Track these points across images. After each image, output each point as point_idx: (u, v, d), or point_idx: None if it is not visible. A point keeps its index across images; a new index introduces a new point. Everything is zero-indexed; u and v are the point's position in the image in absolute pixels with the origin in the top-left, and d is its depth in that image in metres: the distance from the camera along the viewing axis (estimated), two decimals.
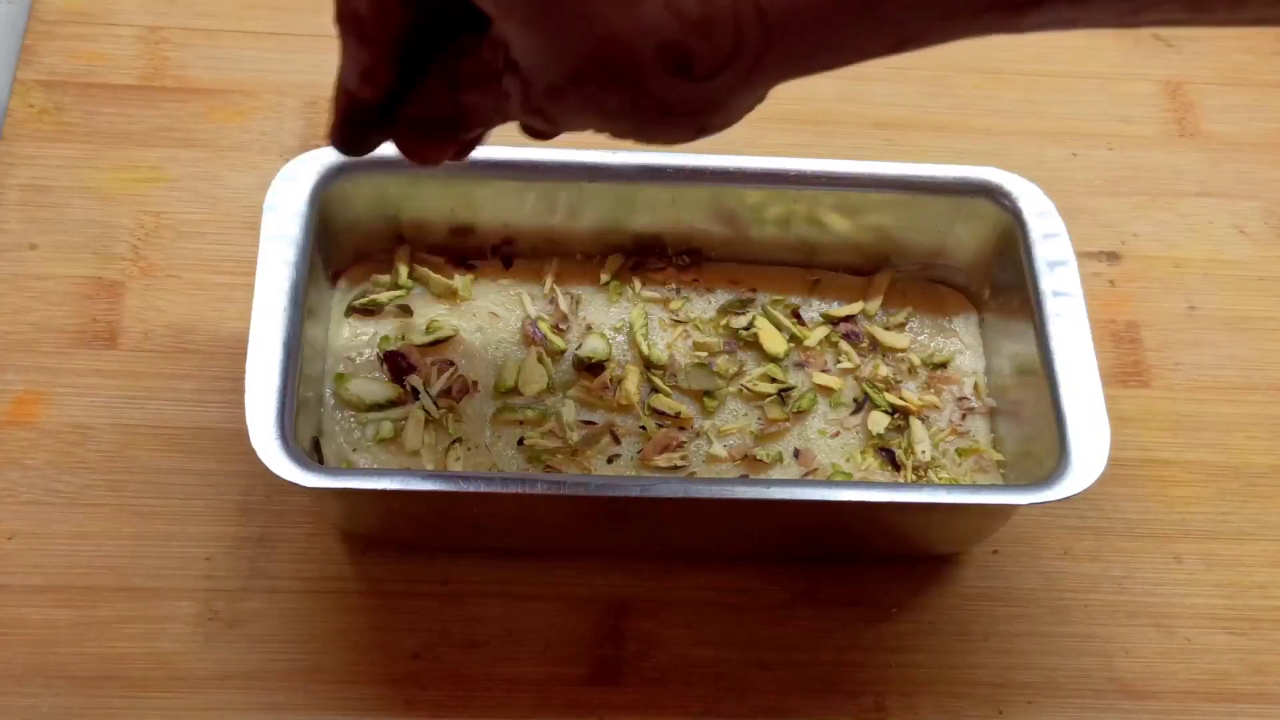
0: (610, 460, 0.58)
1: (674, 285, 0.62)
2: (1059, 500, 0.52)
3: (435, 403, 0.58)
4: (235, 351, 0.52)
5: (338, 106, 0.45)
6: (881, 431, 0.59)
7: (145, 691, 0.55)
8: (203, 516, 0.58)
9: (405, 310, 0.60)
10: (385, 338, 0.59)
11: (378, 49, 0.43)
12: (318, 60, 0.70)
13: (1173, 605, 0.60)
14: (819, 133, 0.71)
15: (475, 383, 0.59)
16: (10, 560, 0.56)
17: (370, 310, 0.60)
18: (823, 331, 0.61)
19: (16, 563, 0.56)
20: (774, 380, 0.60)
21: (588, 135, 0.69)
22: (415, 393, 0.58)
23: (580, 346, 0.60)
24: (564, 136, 0.71)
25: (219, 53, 0.70)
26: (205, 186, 0.66)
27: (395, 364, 0.58)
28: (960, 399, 0.61)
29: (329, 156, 0.57)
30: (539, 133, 0.45)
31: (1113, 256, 0.69)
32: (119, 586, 0.56)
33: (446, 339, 0.60)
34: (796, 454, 0.59)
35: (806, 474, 0.58)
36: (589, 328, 0.61)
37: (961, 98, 0.73)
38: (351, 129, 0.46)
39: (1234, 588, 0.60)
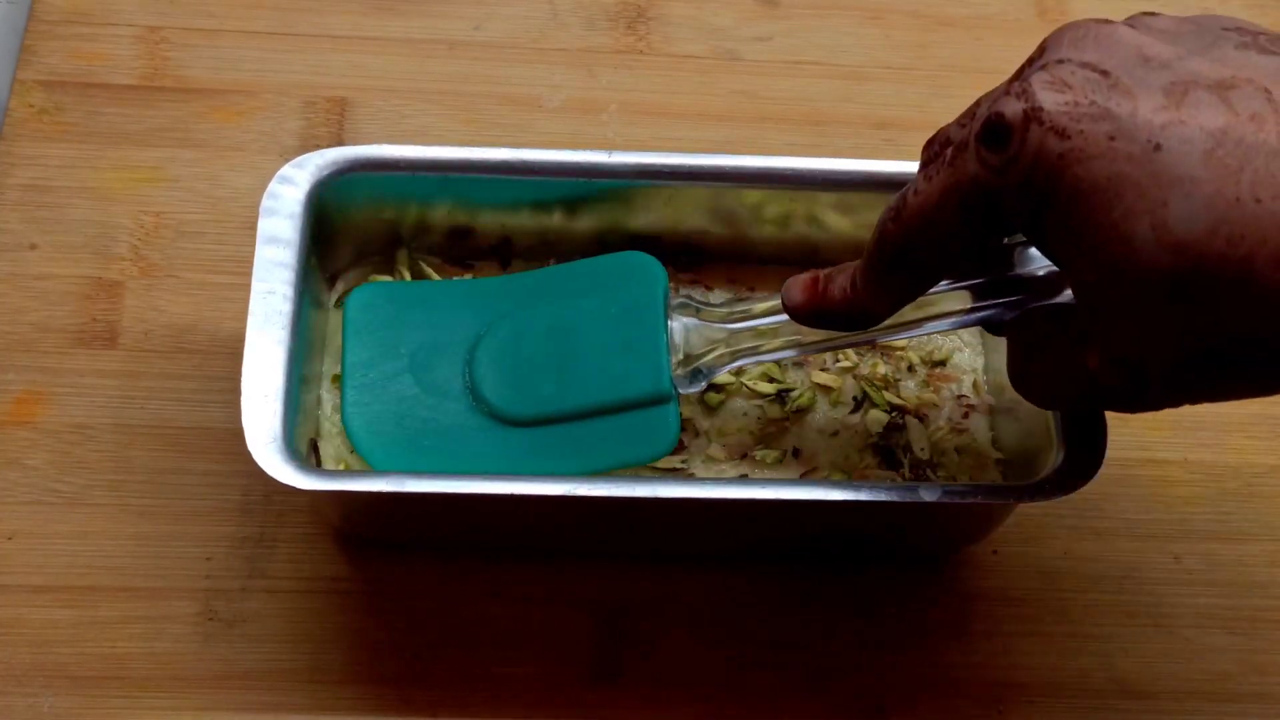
0: None
1: (672, 285, 0.62)
2: (1058, 499, 0.52)
3: None
4: (235, 351, 0.52)
5: (830, 298, 0.47)
6: (880, 430, 0.59)
7: (145, 691, 0.55)
8: (203, 516, 0.58)
9: None
10: None
11: (910, 277, 0.44)
12: (318, 60, 0.71)
13: (1173, 605, 0.60)
14: (819, 133, 0.71)
15: None
16: (10, 560, 0.57)
17: None
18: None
19: (16, 563, 0.57)
20: (773, 380, 0.60)
21: (586, 135, 0.70)
22: None
23: None
24: (558, 137, 0.71)
25: (219, 53, 0.70)
26: (205, 186, 0.66)
27: None
28: (959, 397, 0.61)
29: (325, 158, 0.57)
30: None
31: None
32: (119, 586, 0.56)
33: None
34: (796, 453, 0.59)
35: (805, 473, 0.58)
36: None
37: (961, 98, 0.72)
38: (817, 319, 0.48)
39: (1234, 588, 0.60)
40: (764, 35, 0.74)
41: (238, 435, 0.50)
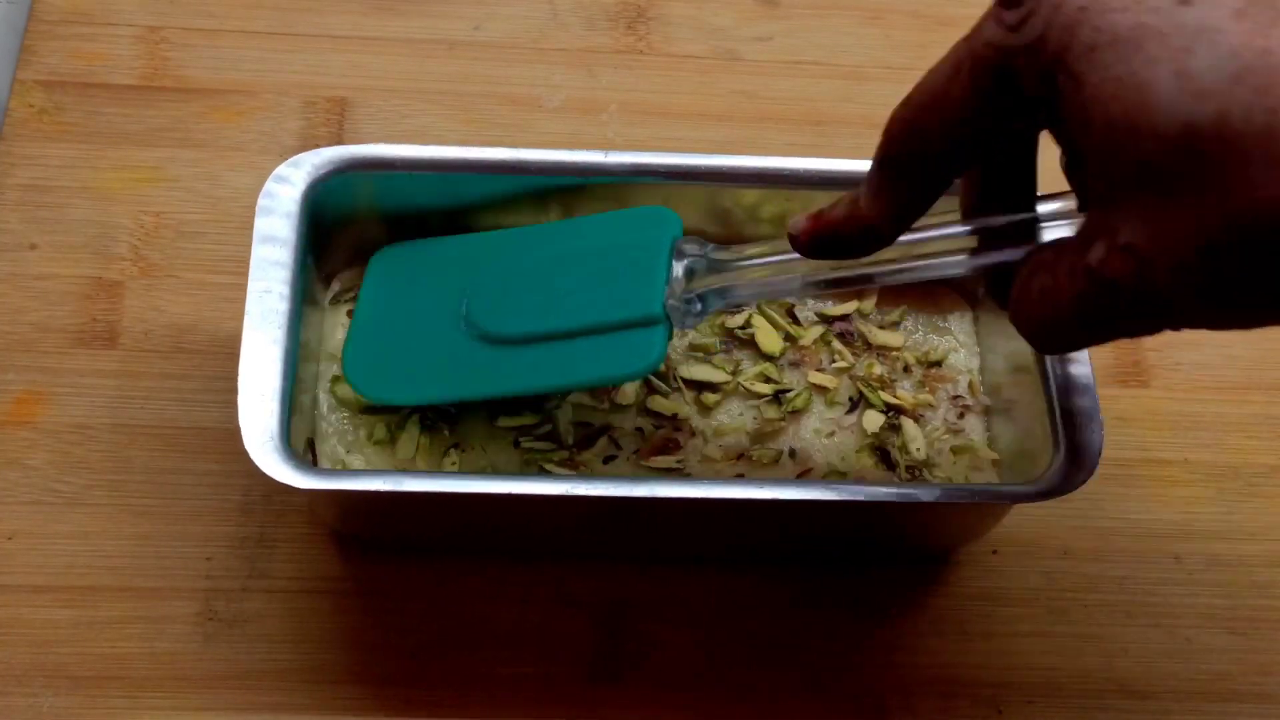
0: (607, 461, 0.58)
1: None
2: (1053, 499, 0.52)
3: (431, 412, 0.58)
4: (235, 351, 0.52)
5: (833, 217, 0.45)
6: (876, 430, 0.59)
7: (145, 691, 0.55)
8: (203, 516, 0.58)
9: None
10: None
11: (917, 176, 0.42)
12: (318, 60, 0.71)
13: (1173, 605, 0.60)
14: (819, 133, 0.71)
15: None
16: (10, 560, 0.57)
17: None
18: (818, 330, 0.61)
19: (16, 563, 0.57)
20: (769, 380, 0.60)
21: (586, 135, 0.70)
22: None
23: None
24: (558, 137, 0.71)
25: (219, 53, 0.70)
26: (205, 186, 0.66)
27: None
28: (955, 397, 0.61)
29: (321, 157, 0.57)
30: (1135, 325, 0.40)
31: None
32: (119, 586, 0.57)
33: None
34: (792, 454, 0.59)
35: (802, 474, 0.58)
36: None
37: None
38: (821, 245, 0.45)
39: (1234, 588, 0.60)
40: (764, 35, 0.74)
41: (237, 435, 0.50)
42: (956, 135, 0.41)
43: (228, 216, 0.65)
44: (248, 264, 0.54)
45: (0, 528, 0.57)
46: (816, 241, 0.46)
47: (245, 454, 0.50)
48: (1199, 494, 0.62)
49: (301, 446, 0.54)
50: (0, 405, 0.60)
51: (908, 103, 0.41)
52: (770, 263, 0.50)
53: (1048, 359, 0.55)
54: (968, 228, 0.46)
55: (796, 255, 0.47)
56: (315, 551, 0.58)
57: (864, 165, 0.58)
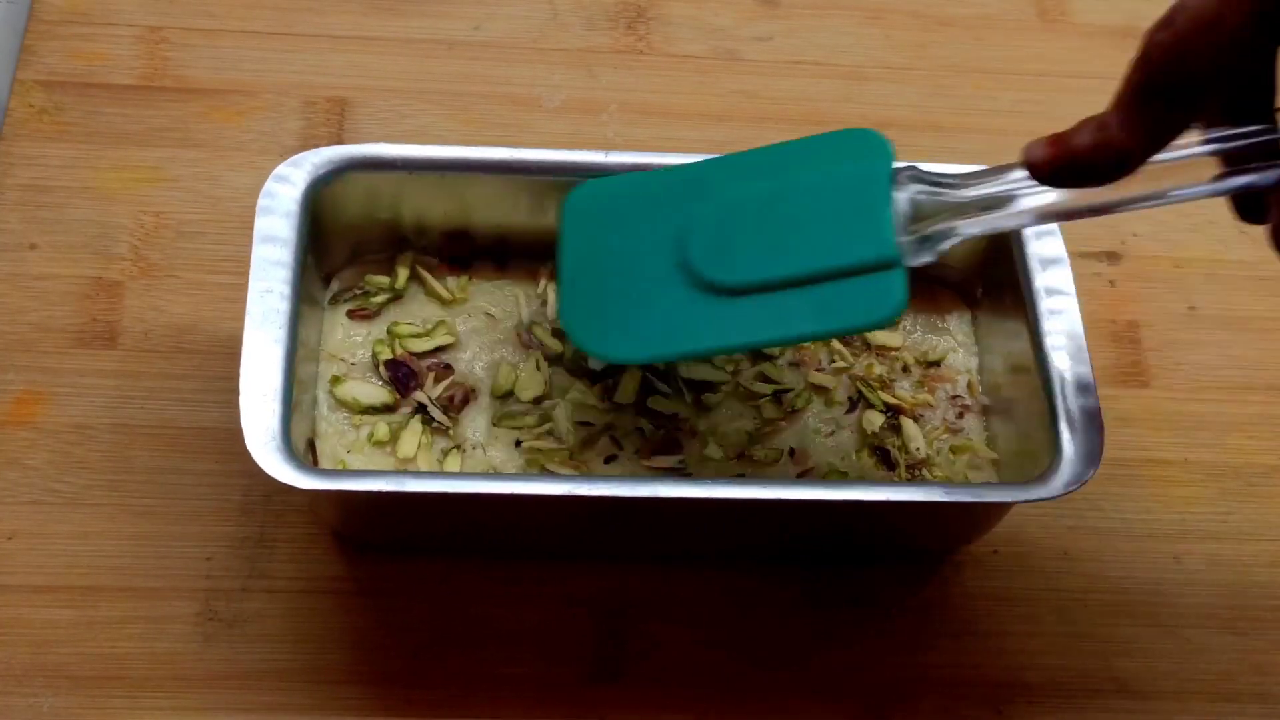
0: (608, 461, 0.58)
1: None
2: (1053, 498, 0.52)
3: (435, 412, 0.58)
4: (234, 351, 0.52)
5: (1079, 144, 0.42)
6: (876, 430, 0.59)
7: (145, 691, 0.55)
8: (203, 516, 0.58)
9: (396, 294, 0.60)
10: (379, 341, 0.59)
11: (1174, 102, 0.40)
12: (318, 60, 0.71)
13: (1173, 605, 0.60)
14: (819, 132, 0.71)
15: (474, 389, 0.59)
16: (10, 560, 0.57)
17: (365, 312, 0.60)
18: None
19: (16, 563, 0.57)
20: (769, 380, 0.60)
21: (586, 135, 0.70)
22: (415, 401, 0.58)
23: (586, 358, 0.60)
24: (558, 137, 0.71)
25: (219, 53, 0.70)
26: (205, 186, 0.66)
27: (396, 373, 0.58)
28: (954, 397, 0.61)
29: (321, 156, 0.57)
30: None
31: (1113, 256, 0.69)
32: (119, 586, 0.56)
33: (444, 346, 0.60)
34: (792, 453, 0.59)
35: (802, 473, 0.58)
36: None
37: (961, 98, 0.73)
38: (1064, 173, 0.43)
39: (1234, 588, 0.60)
40: (764, 35, 0.74)
41: (237, 435, 0.50)
42: (1227, 58, 0.39)
43: (227, 216, 0.65)
44: (247, 264, 0.54)
45: (0, 528, 0.57)
46: (1060, 169, 0.43)
47: (246, 454, 0.50)
48: (1199, 494, 0.62)
49: (302, 447, 0.54)
50: (0, 405, 0.60)
51: (1169, 25, 0.40)
52: (1001, 192, 0.48)
53: (1047, 358, 0.55)
54: (1208, 148, 0.44)
55: (1030, 183, 0.45)
56: (315, 551, 0.58)
57: None
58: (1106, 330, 0.66)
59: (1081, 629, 0.59)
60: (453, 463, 0.57)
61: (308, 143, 0.68)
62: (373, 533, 0.58)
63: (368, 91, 0.70)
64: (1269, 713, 0.58)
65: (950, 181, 0.50)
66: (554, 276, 0.61)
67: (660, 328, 0.53)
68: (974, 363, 0.62)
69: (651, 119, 0.71)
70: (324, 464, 0.56)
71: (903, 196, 0.50)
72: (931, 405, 0.60)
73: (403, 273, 0.61)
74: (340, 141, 0.68)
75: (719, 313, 0.52)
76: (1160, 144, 0.42)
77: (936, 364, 0.61)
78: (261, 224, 0.55)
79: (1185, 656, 0.59)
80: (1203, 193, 0.45)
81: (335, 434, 0.57)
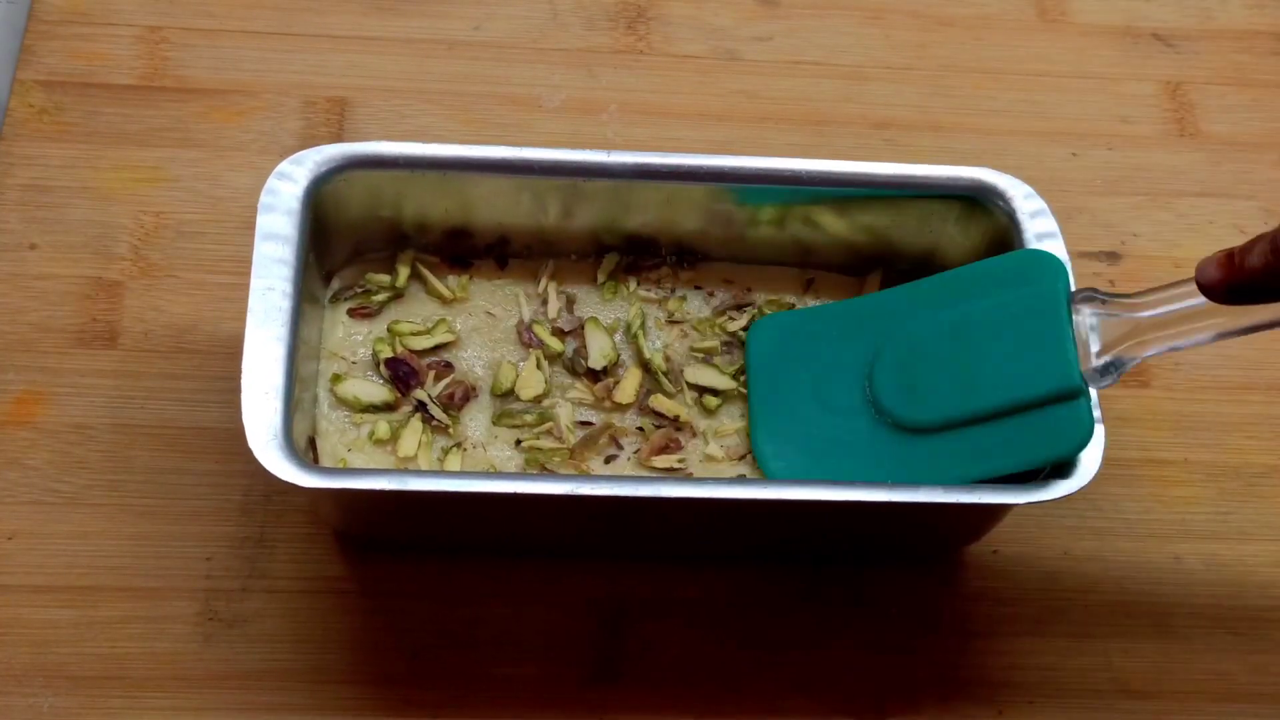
0: (608, 461, 0.58)
1: (669, 285, 0.62)
2: (1054, 500, 0.52)
3: (435, 410, 0.58)
4: (235, 351, 0.52)
5: (1252, 267, 0.43)
6: None
7: (145, 691, 0.55)
8: (203, 516, 0.58)
9: (397, 292, 0.60)
10: (380, 339, 0.59)
11: None
12: (318, 60, 0.71)
13: (1173, 605, 0.60)
14: (819, 133, 0.71)
15: (475, 387, 0.59)
16: (10, 560, 0.57)
17: (366, 310, 0.60)
18: None
19: (16, 563, 0.57)
20: None
21: (586, 135, 0.70)
22: (415, 399, 0.58)
23: (587, 357, 0.60)
24: (558, 137, 0.71)
25: (219, 53, 0.70)
26: (205, 186, 0.66)
27: (397, 371, 0.58)
28: None
29: (323, 154, 0.57)
30: None
31: (1113, 256, 0.69)
32: (119, 586, 0.56)
33: (444, 344, 0.60)
34: None
35: None
36: (583, 325, 0.61)
37: (961, 98, 0.73)
38: (1236, 293, 0.44)
39: (1234, 588, 0.60)
40: (764, 35, 0.74)
41: (237, 435, 0.50)
42: None
43: (227, 216, 0.65)
44: (248, 263, 0.54)
45: (0, 528, 0.57)
46: (1234, 290, 0.45)
47: (246, 454, 0.50)
48: (1199, 494, 0.62)
49: (303, 445, 0.54)
50: (0, 405, 0.60)
51: None
52: (1178, 310, 0.49)
53: None
54: None
55: (1204, 301, 0.46)
56: (315, 551, 0.58)
57: (854, 165, 0.59)
58: None
59: (1081, 629, 0.59)
60: (453, 461, 0.57)
61: (307, 143, 0.68)
62: (373, 531, 0.58)
63: (368, 91, 0.70)
64: (1269, 713, 0.58)
65: (1126, 302, 0.51)
66: (554, 275, 0.62)
67: (853, 463, 0.56)
68: None
69: (651, 119, 0.71)
70: (325, 462, 0.56)
71: (1081, 320, 0.52)
72: None
73: (403, 271, 0.61)
74: (340, 141, 0.68)
75: (909, 449, 0.55)
76: None
77: None
78: (263, 221, 0.55)
79: (1185, 656, 0.59)
80: None
81: (336, 432, 0.57)
